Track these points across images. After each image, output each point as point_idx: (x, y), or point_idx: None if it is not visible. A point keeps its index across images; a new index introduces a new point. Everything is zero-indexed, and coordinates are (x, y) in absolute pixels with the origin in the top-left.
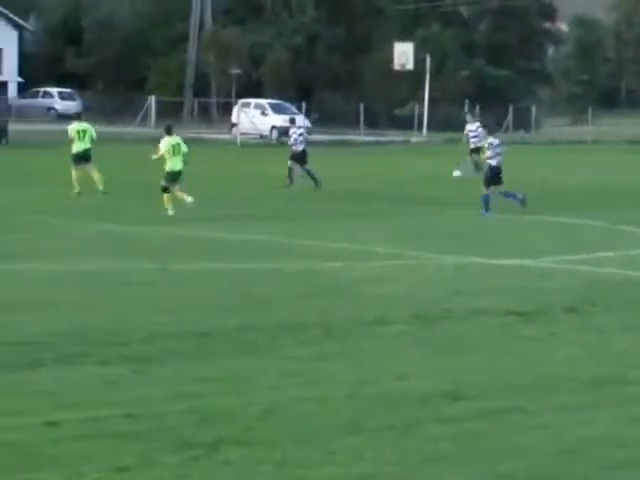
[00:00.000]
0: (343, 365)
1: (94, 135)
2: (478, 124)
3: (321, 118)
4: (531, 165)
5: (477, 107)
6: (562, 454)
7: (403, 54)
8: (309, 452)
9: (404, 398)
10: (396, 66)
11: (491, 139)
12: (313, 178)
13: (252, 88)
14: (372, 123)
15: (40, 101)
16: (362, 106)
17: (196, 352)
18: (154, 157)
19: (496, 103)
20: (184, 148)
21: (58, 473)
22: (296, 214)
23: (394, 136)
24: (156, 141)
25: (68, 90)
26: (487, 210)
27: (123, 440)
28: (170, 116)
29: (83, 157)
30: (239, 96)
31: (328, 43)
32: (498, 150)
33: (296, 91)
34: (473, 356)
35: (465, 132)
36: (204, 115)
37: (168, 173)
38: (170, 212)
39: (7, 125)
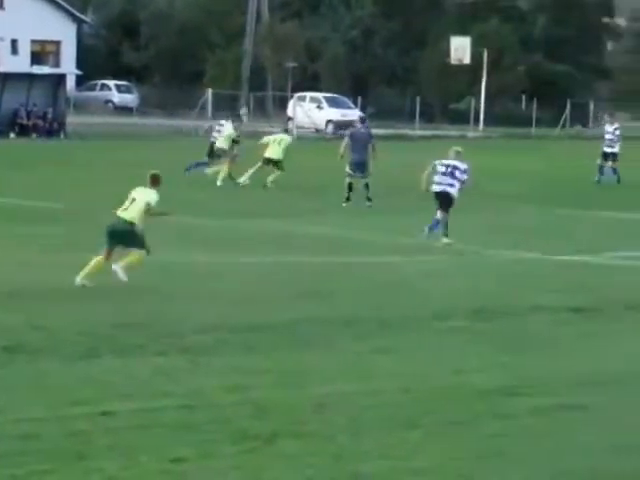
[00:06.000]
0: (399, 360)
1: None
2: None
3: (377, 112)
4: (587, 159)
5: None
6: (624, 452)
7: (460, 48)
8: (365, 446)
9: (461, 393)
10: (453, 60)
11: None
12: None
13: (308, 82)
14: (428, 118)
15: (98, 94)
16: (418, 100)
17: (251, 344)
18: None
19: (554, 98)
20: None
21: (114, 462)
22: (354, 209)
23: (450, 131)
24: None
25: (125, 83)
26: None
27: (179, 431)
28: (226, 109)
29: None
30: (295, 90)
31: (384, 37)
32: None
33: (352, 85)
34: (532, 352)
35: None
36: (260, 109)
37: None
38: None
39: (65, 118)
